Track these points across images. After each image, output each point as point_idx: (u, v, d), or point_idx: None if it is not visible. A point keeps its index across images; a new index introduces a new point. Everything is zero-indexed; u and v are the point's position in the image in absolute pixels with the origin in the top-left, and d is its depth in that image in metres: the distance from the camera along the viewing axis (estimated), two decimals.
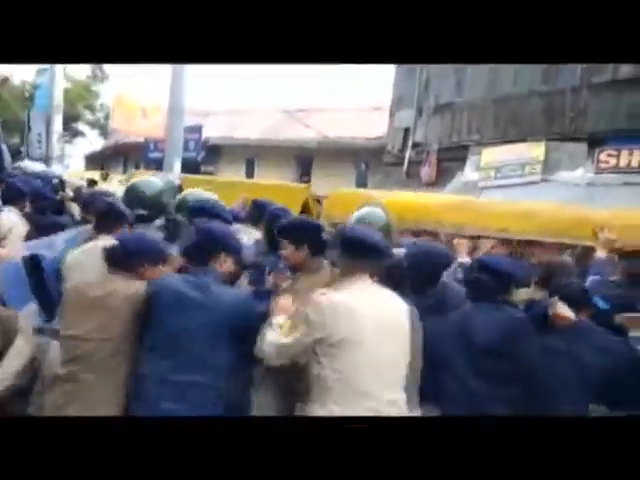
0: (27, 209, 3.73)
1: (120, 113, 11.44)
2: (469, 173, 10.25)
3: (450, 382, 2.06)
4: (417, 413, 1.94)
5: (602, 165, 8.53)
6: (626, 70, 8.12)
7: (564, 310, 2.04)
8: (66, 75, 14.22)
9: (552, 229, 3.31)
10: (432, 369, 2.08)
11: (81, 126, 19.00)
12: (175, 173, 7.54)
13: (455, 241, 3.02)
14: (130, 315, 2.04)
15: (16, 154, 10.84)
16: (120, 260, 2.13)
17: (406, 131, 11.69)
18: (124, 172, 12.12)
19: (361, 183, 12.47)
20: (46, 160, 9.96)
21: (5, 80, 13.15)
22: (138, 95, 11.26)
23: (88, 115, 18.71)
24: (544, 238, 3.29)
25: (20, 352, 2.18)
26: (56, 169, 8.18)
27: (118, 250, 2.15)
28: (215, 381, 1.96)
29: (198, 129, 14.11)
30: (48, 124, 10.19)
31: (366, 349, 1.83)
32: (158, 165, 9.73)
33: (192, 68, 8.15)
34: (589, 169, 8.64)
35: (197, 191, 3.13)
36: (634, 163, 8.28)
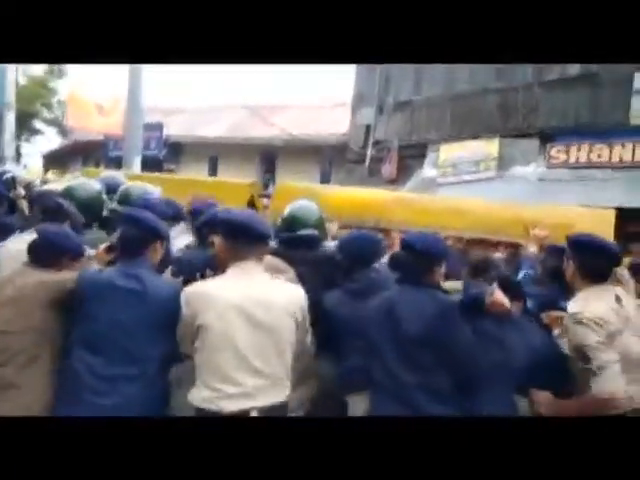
0: None
1: (74, 110, 11.16)
2: (428, 170, 10.47)
3: (377, 369, 2.04)
4: (303, 405, 1.91)
5: (553, 161, 8.87)
6: (574, 68, 8.47)
7: (501, 298, 2.01)
8: (22, 71, 13.85)
9: (486, 226, 3.37)
10: (359, 354, 2.10)
11: (39, 124, 18.50)
12: (135, 171, 7.46)
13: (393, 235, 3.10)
14: (50, 307, 2.02)
15: None
16: (41, 253, 2.12)
17: (367, 128, 11.84)
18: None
19: (325, 180, 12.57)
20: None
21: None
22: (93, 91, 11.02)
23: (45, 113, 18.23)
24: (478, 235, 3.36)
25: None
26: (10, 168, 7.96)
27: (39, 243, 2.13)
28: (149, 373, 1.94)
29: (159, 127, 13.97)
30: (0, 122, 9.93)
31: (228, 335, 1.83)
32: (118, 163, 9.58)
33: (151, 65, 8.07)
34: (541, 164, 8.97)
35: (141, 184, 3.13)
36: (582, 158, 8.64)
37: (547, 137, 8.87)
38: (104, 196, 2.99)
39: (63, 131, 17.59)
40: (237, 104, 14.87)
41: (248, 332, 1.84)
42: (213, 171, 14.57)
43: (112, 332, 1.95)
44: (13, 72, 10.27)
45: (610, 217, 3.32)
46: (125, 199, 2.94)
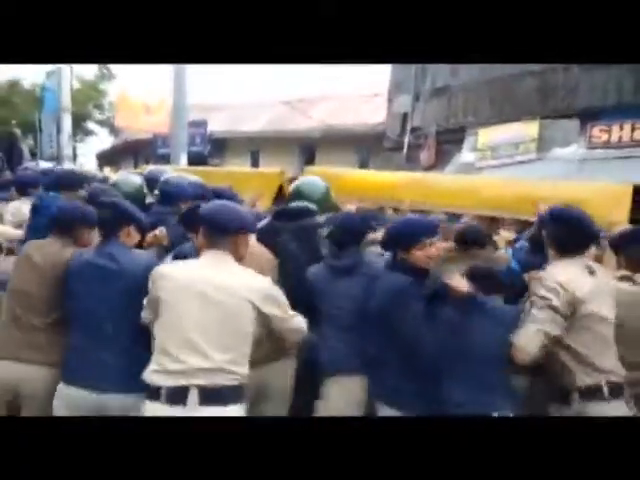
0: None
1: (123, 111, 11.76)
2: (466, 154, 10.46)
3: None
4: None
5: (594, 140, 8.71)
6: None
7: (458, 281, 2.05)
8: (75, 76, 14.66)
9: (497, 204, 3.37)
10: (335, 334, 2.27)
11: (92, 125, 19.46)
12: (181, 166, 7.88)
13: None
14: (61, 282, 2.21)
15: (31, 155, 11.29)
16: (60, 224, 2.36)
17: (404, 116, 11.90)
18: (135, 168, 12.54)
19: (363, 169, 12.72)
20: (58, 160, 10.40)
21: None
22: (140, 92, 11.58)
23: (98, 114, 19.14)
24: (486, 213, 3.34)
25: None
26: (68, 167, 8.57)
27: (59, 215, 2.39)
28: (136, 348, 2.04)
29: (203, 124, 14.46)
30: (58, 125, 10.64)
31: (177, 312, 1.88)
32: (167, 160, 10.09)
33: (193, 65, 8.45)
34: (582, 145, 8.82)
35: (181, 175, 3.49)
36: (625, 138, 8.44)
37: (588, 117, 8.72)
38: (144, 188, 3.44)
39: (114, 131, 18.46)
40: (276, 99, 15.17)
41: (200, 313, 1.88)
42: (255, 165, 14.98)
43: (91, 306, 2.11)
44: (68, 77, 10.97)
45: (627, 192, 3.21)
46: (164, 187, 3.29)
